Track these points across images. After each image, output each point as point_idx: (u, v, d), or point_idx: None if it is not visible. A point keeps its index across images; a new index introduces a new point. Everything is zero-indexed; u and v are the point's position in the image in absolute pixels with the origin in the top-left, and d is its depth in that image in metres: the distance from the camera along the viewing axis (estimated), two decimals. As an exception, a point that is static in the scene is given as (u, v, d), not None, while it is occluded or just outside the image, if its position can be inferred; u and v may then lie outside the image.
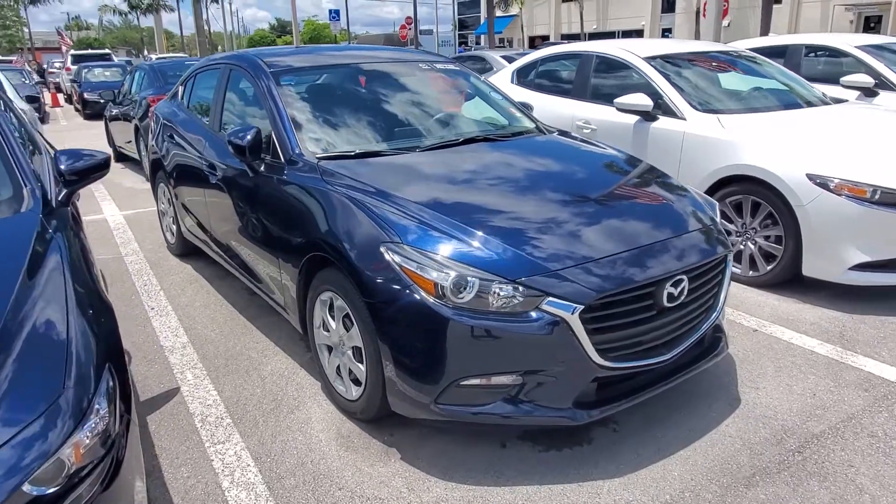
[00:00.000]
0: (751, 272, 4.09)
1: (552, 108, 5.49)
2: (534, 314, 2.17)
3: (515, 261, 2.25)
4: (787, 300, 3.84)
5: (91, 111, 15.58)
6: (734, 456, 2.43)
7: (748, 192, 3.99)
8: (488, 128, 3.63)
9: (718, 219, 2.85)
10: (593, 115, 5.14)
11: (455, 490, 2.29)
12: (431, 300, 2.19)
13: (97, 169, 2.74)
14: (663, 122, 4.58)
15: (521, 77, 6.16)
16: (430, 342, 2.20)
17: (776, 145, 3.90)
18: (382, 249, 2.32)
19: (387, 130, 3.32)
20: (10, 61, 28.16)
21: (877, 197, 3.50)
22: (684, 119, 4.46)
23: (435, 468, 2.41)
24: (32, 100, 10.32)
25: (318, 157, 2.93)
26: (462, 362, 2.20)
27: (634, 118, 4.76)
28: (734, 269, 4.13)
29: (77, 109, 17.98)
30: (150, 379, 3.10)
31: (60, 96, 23.30)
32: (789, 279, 3.92)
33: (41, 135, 4.38)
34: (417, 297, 2.20)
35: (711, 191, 4.24)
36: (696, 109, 4.45)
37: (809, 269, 3.76)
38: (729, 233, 4.11)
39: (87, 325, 1.78)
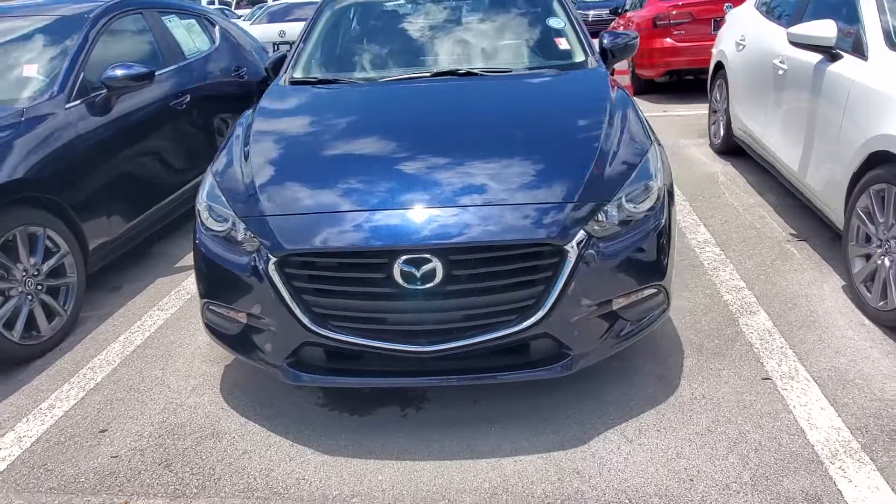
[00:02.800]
0: (881, 303, 2.67)
1: (765, 41, 4.20)
2: (244, 257, 2.13)
3: (252, 200, 2.20)
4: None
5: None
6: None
7: (897, 180, 2.55)
8: (512, 61, 3.19)
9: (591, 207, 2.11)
10: (789, 52, 3.76)
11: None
12: (199, 226, 2.34)
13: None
14: (839, 65, 3.14)
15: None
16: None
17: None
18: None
19: (397, 57, 3.30)
20: None
21: None
22: (864, 59, 2.97)
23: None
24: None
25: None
26: (208, 287, 2.31)
27: (816, 57, 3.36)
28: (861, 294, 2.78)
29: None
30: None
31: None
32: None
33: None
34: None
35: (859, 175, 2.83)
36: (890, 47, 2.90)
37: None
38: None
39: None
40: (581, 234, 2.05)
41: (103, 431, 2.35)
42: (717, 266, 3.33)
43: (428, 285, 1.99)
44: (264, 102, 2.93)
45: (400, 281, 1.99)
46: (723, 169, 4.92)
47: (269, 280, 2.08)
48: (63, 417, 2.45)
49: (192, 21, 4.80)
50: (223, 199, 2.28)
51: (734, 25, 5.10)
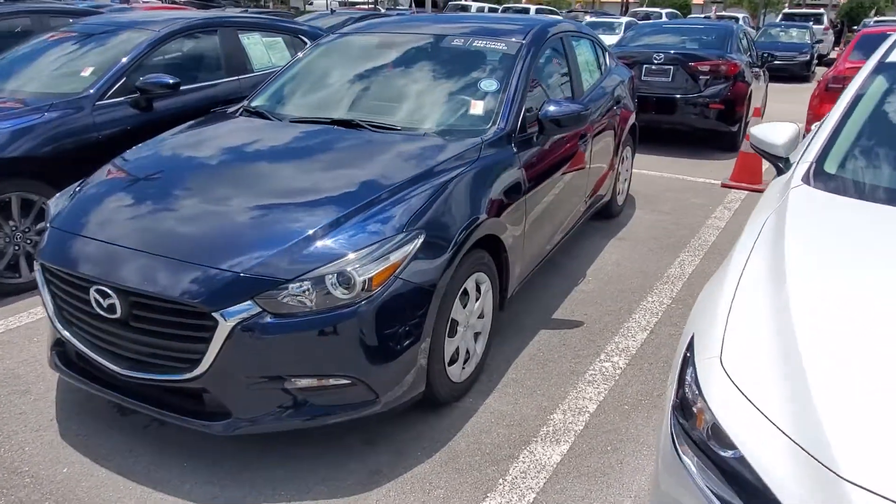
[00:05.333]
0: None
1: None
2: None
3: (69, 210, 2.60)
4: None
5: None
6: None
7: None
8: (410, 118, 3.15)
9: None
10: None
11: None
12: None
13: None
14: None
15: None
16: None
17: None
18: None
19: (323, 99, 3.48)
20: None
21: None
22: None
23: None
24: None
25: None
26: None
27: None
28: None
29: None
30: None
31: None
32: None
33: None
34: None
35: None
36: None
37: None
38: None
39: None
40: (245, 306, 2.08)
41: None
42: None
43: (112, 316, 2.22)
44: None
45: (94, 306, 2.25)
46: None
47: (39, 280, 2.49)
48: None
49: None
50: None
51: None
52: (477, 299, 2.75)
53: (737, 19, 28.19)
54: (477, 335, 2.84)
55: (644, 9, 36.01)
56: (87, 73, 4.17)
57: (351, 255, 2.18)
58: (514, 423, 2.64)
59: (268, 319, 2.10)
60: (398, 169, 2.61)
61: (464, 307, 2.64)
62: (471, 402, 2.76)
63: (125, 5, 16.23)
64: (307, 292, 2.12)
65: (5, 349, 3.13)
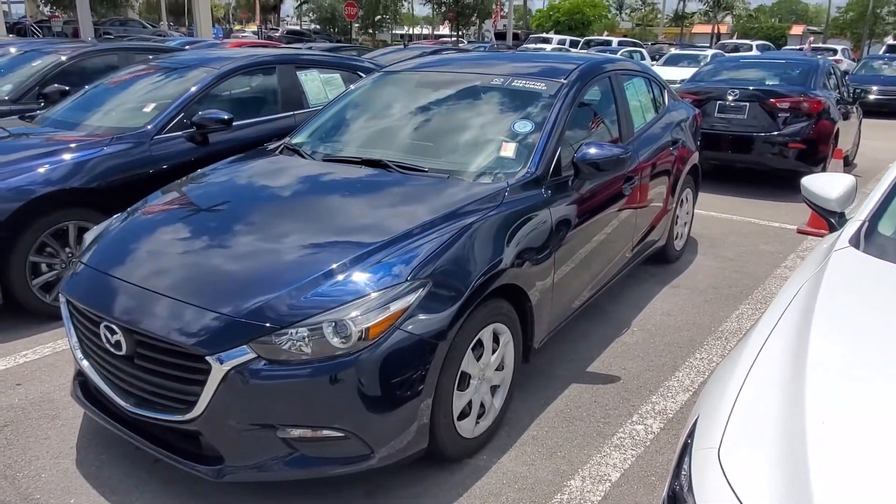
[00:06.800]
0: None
1: None
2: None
3: (94, 245, 2.68)
4: None
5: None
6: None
7: None
8: (439, 160, 3.07)
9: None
10: None
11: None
12: None
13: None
14: None
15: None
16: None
17: None
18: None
19: (357, 137, 3.50)
20: None
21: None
22: None
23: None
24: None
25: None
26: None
27: None
28: None
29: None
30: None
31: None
32: None
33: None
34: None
35: None
36: None
37: None
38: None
39: None
40: (240, 350, 2.05)
41: None
42: None
43: (119, 352, 2.25)
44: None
45: (104, 342, 2.28)
46: None
47: (63, 312, 2.57)
48: None
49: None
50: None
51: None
52: (495, 351, 2.62)
53: (834, 51, 26.77)
54: (495, 388, 2.70)
55: (733, 41, 34.86)
56: (149, 108, 4.39)
57: (350, 303, 2.11)
58: (526, 487, 2.46)
59: (262, 365, 2.06)
60: (414, 213, 2.55)
61: (478, 359, 2.51)
62: (484, 461, 2.61)
63: (218, 41, 17.30)
64: (304, 340, 2.06)
65: (48, 372, 3.26)
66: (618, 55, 13.09)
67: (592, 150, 3.01)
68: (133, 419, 2.32)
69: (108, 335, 2.26)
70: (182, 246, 2.49)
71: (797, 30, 63.82)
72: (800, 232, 5.80)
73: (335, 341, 2.07)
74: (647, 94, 4.39)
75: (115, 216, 2.94)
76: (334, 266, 2.24)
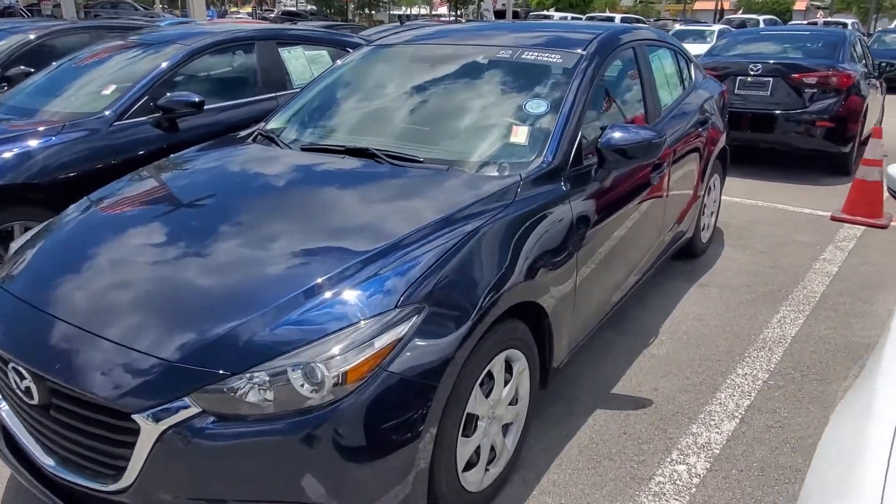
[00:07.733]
0: None
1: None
2: None
3: (11, 261, 2.20)
4: None
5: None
6: None
7: None
8: (436, 148, 2.58)
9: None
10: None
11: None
12: None
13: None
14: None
15: None
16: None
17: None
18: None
19: (342, 122, 2.98)
20: None
21: None
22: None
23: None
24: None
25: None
26: None
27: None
28: None
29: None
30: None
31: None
32: None
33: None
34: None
35: None
36: None
37: None
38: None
39: None
40: (178, 404, 1.57)
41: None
42: None
43: (30, 401, 1.77)
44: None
45: (13, 387, 1.80)
46: None
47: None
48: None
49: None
50: None
51: None
52: (507, 382, 2.14)
53: (845, 25, 25.99)
54: (507, 427, 2.22)
55: (740, 15, 33.95)
56: (108, 91, 3.87)
57: (322, 341, 1.63)
58: (548, 554, 2.00)
59: (209, 423, 1.58)
60: (405, 217, 2.05)
61: (487, 395, 2.04)
62: (495, 516, 2.14)
63: (215, 21, 16.68)
64: (262, 388, 1.59)
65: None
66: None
67: (618, 135, 2.51)
68: (60, 482, 1.85)
69: (17, 379, 1.78)
70: (117, 264, 1.99)
71: (801, 5, 62.53)
72: (834, 219, 5.29)
73: (304, 390, 1.59)
74: (674, 68, 3.87)
75: (46, 222, 2.45)
76: (303, 290, 1.75)
